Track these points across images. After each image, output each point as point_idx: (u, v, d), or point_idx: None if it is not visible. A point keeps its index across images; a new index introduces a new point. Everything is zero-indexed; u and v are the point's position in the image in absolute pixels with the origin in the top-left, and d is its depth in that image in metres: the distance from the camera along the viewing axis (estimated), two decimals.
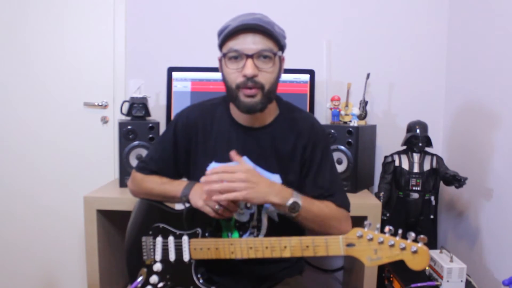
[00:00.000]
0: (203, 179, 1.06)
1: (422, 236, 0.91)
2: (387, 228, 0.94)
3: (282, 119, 1.22)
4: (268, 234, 1.20)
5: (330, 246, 1.00)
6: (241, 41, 1.08)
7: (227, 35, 1.09)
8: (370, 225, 0.97)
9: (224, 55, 1.11)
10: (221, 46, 1.14)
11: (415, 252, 0.90)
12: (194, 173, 1.23)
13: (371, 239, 0.95)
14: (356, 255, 0.98)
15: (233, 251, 1.09)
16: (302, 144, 1.21)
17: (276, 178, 1.19)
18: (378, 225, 0.97)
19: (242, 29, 1.07)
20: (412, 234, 0.91)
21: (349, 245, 0.98)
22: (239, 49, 1.08)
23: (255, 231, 1.21)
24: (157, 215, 1.21)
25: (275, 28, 1.11)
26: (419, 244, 0.91)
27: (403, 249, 0.91)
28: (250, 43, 1.07)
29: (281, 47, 1.14)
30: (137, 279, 1.18)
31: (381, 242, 0.94)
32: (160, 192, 1.21)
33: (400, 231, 0.94)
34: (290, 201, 1.07)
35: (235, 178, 1.03)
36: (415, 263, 0.91)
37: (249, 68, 1.07)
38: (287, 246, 1.04)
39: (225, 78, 1.15)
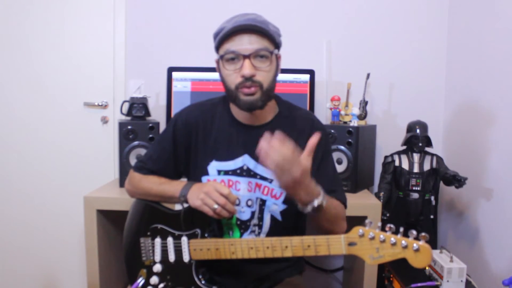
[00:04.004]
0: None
1: (423, 234, 0.91)
2: (388, 227, 0.94)
3: (282, 117, 1.23)
4: (270, 233, 1.19)
5: (332, 245, 1.00)
6: (237, 42, 1.09)
7: (222, 37, 1.10)
8: (371, 224, 0.96)
9: (222, 57, 1.12)
10: (217, 48, 1.15)
11: (417, 250, 0.90)
12: (194, 172, 1.24)
13: (372, 238, 0.95)
14: (358, 254, 0.97)
15: (233, 251, 1.09)
16: (304, 142, 1.20)
17: None
18: (379, 224, 0.97)
19: (237, 30, 1.08)
20: (414, 232, 0.91)
21: (351, 244, 0.98)
22: (236, 50, 1.09)
23: (256, 229, 1.21)
24: (154, 216, 1.20)
25: (269, 27, 1.12)
26: (421, 242, 0.91)
27: (405, 247, 0.91)
28: (246, 43, 1.09)
29: (277, 45, 1.15)
30: (137, 280, 1.18)
31: (383, 241, 0.94)
32: (158, 192, 1.20)
33: (401, 229, 0.94)
34: (316, 202, 1.02)
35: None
36: (418, 261, 0.91)
37: (246, 68, 1.08)
38: (289, 246, 1.04)
39: (223, 80, 1.15)
